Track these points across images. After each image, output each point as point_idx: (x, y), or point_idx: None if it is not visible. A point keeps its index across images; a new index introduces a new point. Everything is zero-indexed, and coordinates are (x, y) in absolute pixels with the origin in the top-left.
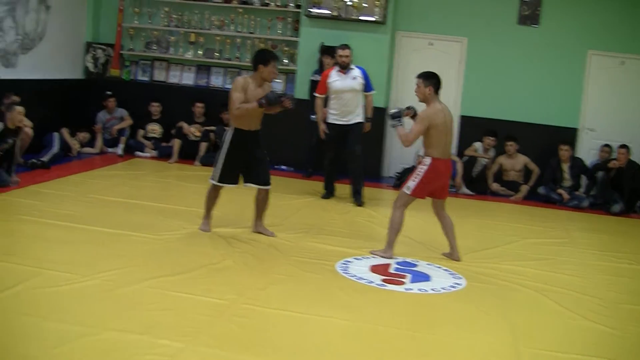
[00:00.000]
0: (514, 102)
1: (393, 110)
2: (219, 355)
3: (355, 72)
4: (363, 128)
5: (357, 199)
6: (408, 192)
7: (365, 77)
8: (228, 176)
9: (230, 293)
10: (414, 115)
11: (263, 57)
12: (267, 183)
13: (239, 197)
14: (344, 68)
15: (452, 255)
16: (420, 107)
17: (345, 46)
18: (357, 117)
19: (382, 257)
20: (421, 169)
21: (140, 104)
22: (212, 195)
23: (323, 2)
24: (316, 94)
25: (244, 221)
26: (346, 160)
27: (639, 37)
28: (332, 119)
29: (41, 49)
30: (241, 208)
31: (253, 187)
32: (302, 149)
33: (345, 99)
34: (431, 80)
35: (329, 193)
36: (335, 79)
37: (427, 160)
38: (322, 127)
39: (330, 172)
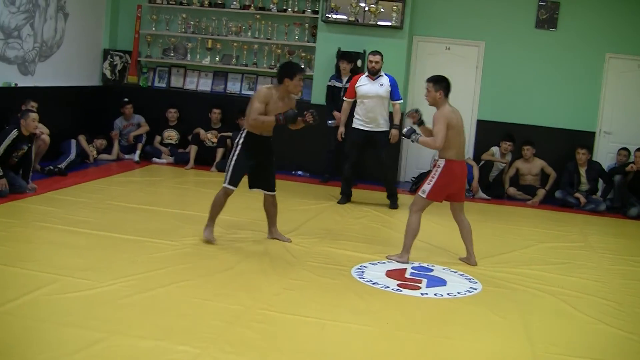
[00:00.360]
0: (531, 106)
1: (405, 130)
2: None
3: (384, 79)
4: (388, 135)
5: (392, 202)
6: (424, 195)
7: (393, 85)
8: (239, 179)
9: (246, 298)
10: (419, 121)
11: (290, 70)
12: (274, 189)
13: (253, 202)
14: (373, 74)
15: (469, 260)
16: (429, 110)
17: (376, 52)
18: (382, 125)
19: (398, 261)
20: (436, 172)
21: (157, 111)
22: (222, 201)
23: (340, 8)
24: (344, 98)
25: (258, 226)
26: (367, 165)
27: None
28: (356, 124)
29: (59, 56)
30: (254, 213)
31: (258, 192)
32: (319, 155)
33: (370, 104)
34: (441, 84)
35: (345, 198)
36: (363, 83)
37: (442, 163)
38: (341, 130)
39: (348, 176)
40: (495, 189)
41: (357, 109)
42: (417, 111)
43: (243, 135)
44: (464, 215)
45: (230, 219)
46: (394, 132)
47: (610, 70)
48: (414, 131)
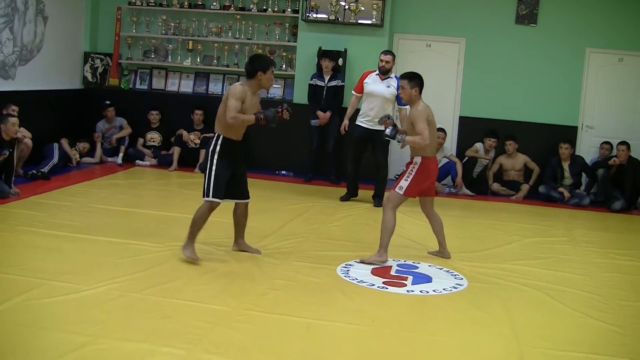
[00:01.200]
0: (513, 102)
1: (388, 131)
2: None
3: (392, 81)
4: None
5: (376, 201)
6: (401, 192)
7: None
8: (223, 190)
9: (231, 299)
10: (393, 125)
11: (263, 64)
12: (249, 196)
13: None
14: (384, 74)
15: (443, 253)
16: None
17: (388, 52)
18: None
19: (377, 261)
20: (413, 169)
21: (139, 113)
22: (206, 217)
23: (320, 7)
24: (353, 92)
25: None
26: (374, 165)
27: (637, 33)
28: (359, 121)
29: (39, 60)
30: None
31: (232, 202)
32: (302, 155)
33: (372, 103)
34: (416, 80)
35: (348, 194)
36: (371, 81)
37: (419, 160)
38: (345, 123)
39: (352, 175)
40: (479, 185)
41: (363, 106)
42: (389, 117)
43: (219, 142)
44: (434, 210)
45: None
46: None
47: (591, 64)
48: (397, 131)
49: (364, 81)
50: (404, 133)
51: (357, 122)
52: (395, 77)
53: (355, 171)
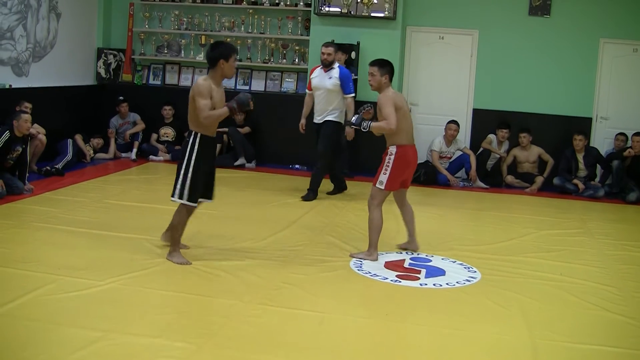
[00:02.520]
0: (526, 94)
1: (354, 119)
2: (234, 356)
3: (334, 72)
4: (331, 127)
5: (306, 195)
6: (382, 187)
7: (344, 78)
8: (200, 191)
9: (244, 294)
10: (374, 116)
11: (225, 51)
12: (212, 197)
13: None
14: (326, 66)
15: (411, 244)
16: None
17: (329, 44)
18: (329, 116)
19: (367, 259)
20: (390, 160)
21: (153, 108)
22: (186, 220)
23: (333, 0)
24: (306, 90)
25: (252, 228)
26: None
27: None
28: (313, 118)
29: (53, 56)
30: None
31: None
32: (314, 149)
33: (318, 97)
34: (386, 67)
35: (336, 189)
36: (316, 75)
37: (394, 149)
38: (301, 122)
39: (331, 172)
40: (493, 178)
41: (314, 102)
42: (371, 107)
43: (197, 141)
44: (407, 201)
45: (223, 213)
46: (349, 130)
47: (605, 55)
48: (363, 118)
49: (311, 77)
50: (370, 120)
51: (313, 119)
52: (339, 67)
53: (332, 166)
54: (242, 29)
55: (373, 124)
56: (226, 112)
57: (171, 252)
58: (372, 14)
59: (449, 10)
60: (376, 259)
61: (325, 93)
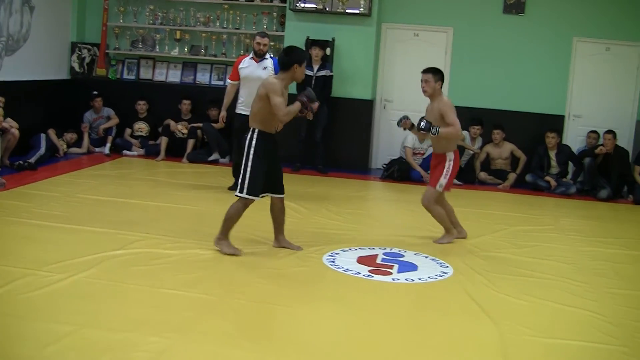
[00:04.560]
0: (500, 91)
1: (423, 124)
2: (208, 350)
3: (268, 62)
4: None
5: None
6: (441, 189)
7: (276, 68)
8: (260, 187)
9: (218, 288)
10: (411, 125)
11: (299, 56)
12: (283, 191)
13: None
14: (260, 57)
15: (461, 233)
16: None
17: (264, 34)
18: None
19: (447, 242)
20: (449, 165)
21: (127, 103)
22: (241, 213)
23: None
24: (229, 80)
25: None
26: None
27: (624, 23)
28: (239, 109)
29: (26, 50)
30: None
31: (269, 197)
32: (290, 144)
33: (251, 87)
34: (440, 75)
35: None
36: (246, 65)
37: (451, 156)
38: (223, 114)
39: (237, 162)
40: (466, 174)
41: (241, 92)
42: (407, 118)
43: (254, 137)
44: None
45: (200, 209)
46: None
47: (578, 53)
48: (430, 123)
49: (239, 67)
50: (437, 126)
51: (237, 111)
52: (271, 57)
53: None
54: (217, 24)
55: (442, 129)
56: (299, 106)
57: (220, 240)
58: (348, 11)
59: (424, 7)
60: (454, 235)
61: (258, 83)
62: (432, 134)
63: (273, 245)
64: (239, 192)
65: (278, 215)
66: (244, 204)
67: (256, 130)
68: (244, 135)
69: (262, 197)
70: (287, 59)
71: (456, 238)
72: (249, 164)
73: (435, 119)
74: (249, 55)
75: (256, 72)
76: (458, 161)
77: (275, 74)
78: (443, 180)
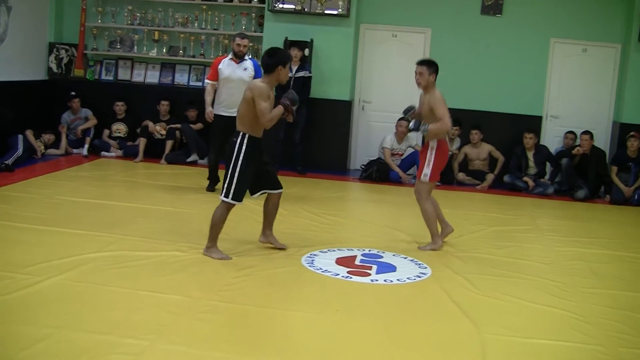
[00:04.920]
0: (478, 92)
1: (412, 124)
2: (184, 352)
3: (247, 63)
4: None
5: (210, 186)
6: (426, 179)
7: (257, 69)
8: (244, 191)
9: (195, 290)
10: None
11: (284, 58)
12: (281, 186)
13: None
14: (239, 57)
15: (447, 228)
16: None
17: (244, 35)
18: None
19: (434, 248)
20: (432, 154)
21: (105, 104)
22: (225, 217)
23: None
24: (207, 80)
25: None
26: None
27: (600, 24)
28: (219, 110)
29: (3, 50)
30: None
31: (264, 195)
32: (268, 145)
33: (232, 88)
34: (434, 67)
35: (212, 184)
36: (226, 66)
37: (434, 144)
38: (210, 110)
39: (213, 163)
40: (444, 175)
41: (219, 93)
42: (413, 109)
43: (245, 142)
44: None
45: (183, 211)
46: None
47: (555, 54)
48: (420, 122)
49: (219, 67)
50: (426, 124)
51: (217, 112)
52: (250, 59)
53: (217, 161)
54: (196, 24)
55: (431, 126)
56: (281, 110)
57: (209, 248)
58: (326, 11)
59: (403, 8)
60: (441, 247)
61: (239, 84)
62: (422, 132)
63: (259, 240)
64: (224, 196)
65: (271, 211)
66: (228, 208)
67: (246, 135)
68: (224, 136)
69: (261, 194)
70: (271, 61)
71: (445, 237)
72: (237, 169)
73: (426, 112)
74: (227, 56)
75: (237, 73)
76: (445, 152)
77: (256, 74)
78: (427, 170)
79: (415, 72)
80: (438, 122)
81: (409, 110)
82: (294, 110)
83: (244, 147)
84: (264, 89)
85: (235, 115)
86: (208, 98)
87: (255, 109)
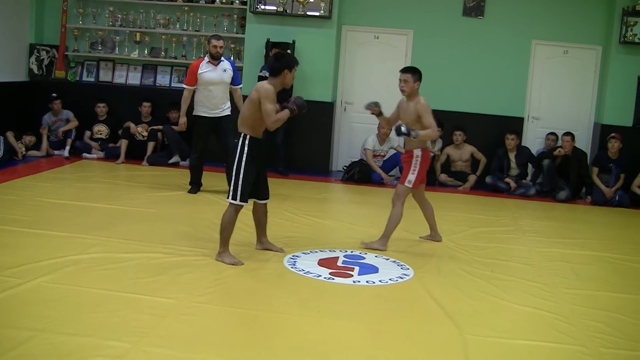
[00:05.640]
0: (460, 93)
1: (403, 129)
2: (166, 354)
3: (225, 64)
4: (232, 121)
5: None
6: (410, 185)
7: (234, 69)
8: (248, 193)
9: (177, 292)
10: (380, 112)
11: (290, 61)
12: (268, 196)
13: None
14: (215, 59)
15: (435, 237)
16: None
17: (219, 37)
18: (227, 110)
19: (380, 248)
20: (417, 161)
21: (86, 105)
22: (234, 219)
23: None
24: (185, 86)
25: (184, 222)
26: (223, 152)
27: (582, 26)
28: (201, 112)
29: None
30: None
31: (252, 202)
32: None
33: (214, 91)
34: (419, 74)
35: (196, 187)
36: (206, 69)
37: (419, 152)
38: (183, 120)
39: (197, 165)
40: (427, 176)
41: (199, 96)
42: (376, 104)
43: (247, 142)
44: (425, 196)
45: (168, 213)
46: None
47: (537, 56)
48: (409, 129)
49: (198, 72)
50: (416, 130)
51: (199, 114)
52: (226, 59)
53: (201, 163)
54: (178, 26)
55: (421, 133)
56: (287, 114)
57: (221, 253)
58: (308, 13)
59: (384, 10)
60: (385, 250)
61: (221, 86)
62: (413, 137)
63: (256, 248)
64: (232, 199)
65: (261, 218)
66: (236, 210)
67: (247, 137)
68: (208, 137)
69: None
70: (278, 65)
71: (426, 240)
72: (242, 170)
73: (411, 118)
74: (204, 59)
75: (217, 76)
76: (428, 158)
77: (234, 74)
78: (411, 177)
79: (400, 79)
80: (427, 129)
81: (370, 105)
82: (302, 113)
83: (246, 148)
84: (270, 90)
85: (218, 115)
86: (184, 106)
87: (260, 110)
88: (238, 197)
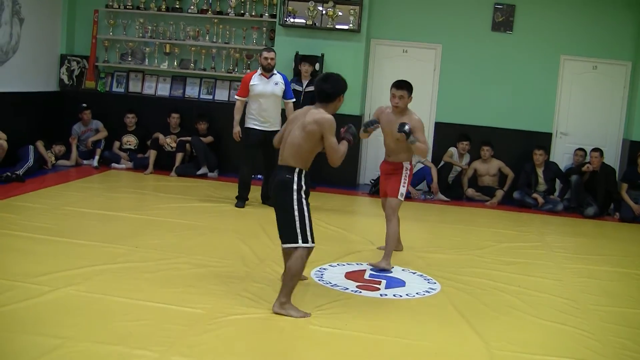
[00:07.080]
0: (488, 108)
1: (406, 128)
2: None
3: (278, 77)
4: None
5: (266, 201)
6: (402, 198)
7: (286, 83)
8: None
9: (205, 302)
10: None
11: (345, 86)
12: (280, 238)
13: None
14: (268, 71)
15: (397, 247)
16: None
17: (270, 49)
18: (276, 124)
19: (385, 268)
20: (406, 174)
21: (116, 116)
22: (304, 265)
23: (298, 12)
24: (237, 97)
25: (212, 233)
26: (264, 167)
27: (610, 41)
28: (252, 124)
29: (15, 62)
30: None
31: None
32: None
33: (265, 104)
34: (412, 89)
35: (242, 202)
36: (257, 82)
37: (408, 165)
38: (237, 130)
39: (247, 181)
40: (454, 191)
41: (252, 109)
42: (378, 122)
43: (303, 178)
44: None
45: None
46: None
47: (565, 72)
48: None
49: (250, 84)
50: (415, 137)
51: (250, 126)
52: (279, 72)
53: (251, 175)
54: (207, 38)
55: (418, 143)
56: (346, 147)
57: (284, 305)
58: (337, 26)
59: (413, 24)
60: (391, 268)
61: (273, 99)
62: (410, 142)
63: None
64: (303, 242)
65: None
66: (308, 253)
67: (302, 172)
68: (258, 149)
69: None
70: (332, 91)
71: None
72: (304, 209)
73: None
74: (257, 71)
75: (269, 88)
76: (412, 171)
77: (286, 88)
78: (402, 190)
79: (394, 95)
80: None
81: (370, 124)
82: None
83: (303, 185)
84: (333, 122)
85: (269, 129)
86: (237, 116)
87: (318, 144)
88: (309, 239)
